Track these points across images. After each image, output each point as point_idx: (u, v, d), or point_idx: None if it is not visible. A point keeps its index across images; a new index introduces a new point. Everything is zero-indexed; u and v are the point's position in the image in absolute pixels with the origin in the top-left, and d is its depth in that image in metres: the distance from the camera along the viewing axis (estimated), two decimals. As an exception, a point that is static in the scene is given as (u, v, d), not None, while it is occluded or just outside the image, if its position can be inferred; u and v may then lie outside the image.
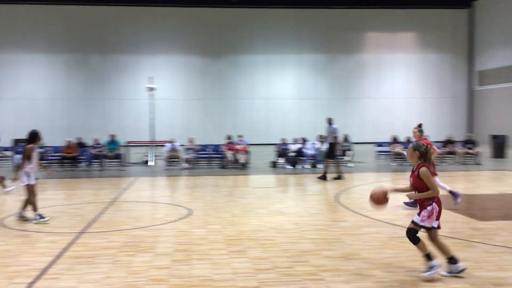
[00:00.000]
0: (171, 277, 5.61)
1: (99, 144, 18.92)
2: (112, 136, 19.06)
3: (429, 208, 5.41)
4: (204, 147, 19.65)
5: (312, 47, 30.74)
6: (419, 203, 5.58)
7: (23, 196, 9.07)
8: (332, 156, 14.64)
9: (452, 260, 5.50)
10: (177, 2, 29.45)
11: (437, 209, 5.45)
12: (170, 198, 12.03)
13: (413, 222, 5.51)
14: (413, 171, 5.62)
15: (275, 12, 30.43)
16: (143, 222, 8.81)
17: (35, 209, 8.81)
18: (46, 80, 28.42)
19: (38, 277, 5.60)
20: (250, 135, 24.34)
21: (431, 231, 5.53)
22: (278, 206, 10.19)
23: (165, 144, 19.60)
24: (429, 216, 5.42)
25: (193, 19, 29.86)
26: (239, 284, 5.38)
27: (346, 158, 18.48)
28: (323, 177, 14.31)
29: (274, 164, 18.44)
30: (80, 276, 5.65)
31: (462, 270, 5.50)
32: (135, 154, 20.94)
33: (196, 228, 8.12)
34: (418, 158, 5.57)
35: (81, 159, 18.66)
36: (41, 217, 8.77)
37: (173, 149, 18.92)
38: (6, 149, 20.00)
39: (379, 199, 5.68)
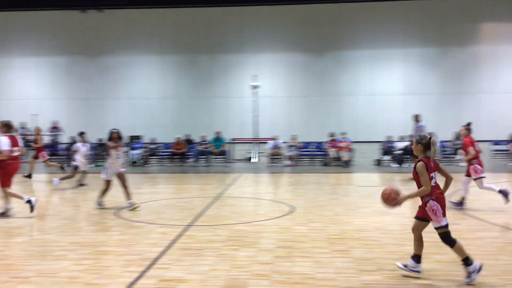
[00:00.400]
0: (274, 273, 5.64)
1: (205, 141, 19.66)
2: (218, 133, 19.71)
3: (428, 206, 5.23)
4: (306, 144, 19.62)
5: (420, 40, 29.33)
6: (421, 198, 5.35)
7: (120, 188, 9.66)
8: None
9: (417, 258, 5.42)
10: (281, 0, 29.66)
11: (438, 205, 5.21)
12: (272, 194, 12.16)
13: (436, 228, 5.28)
14: (414, 168, 5.36)
15: (381, 5, 29.49)
16: (246, 217, 8.99)
17: (100, 197, 10.02)
18: (158, 80, 30.07)
19: (149, 266, 5.91)
20: (353, 132, 23.83)
21: (419, 221, 5.43)
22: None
23: (268, 141, 19.86)
24: (436, 214, 5.20)
25: (296, 16, 29.90)
26: (342, 285, 5.27)
27: (458, 157, 17.42)
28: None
29: (378, 162, 17.92)
30: (188, 267, 5.88)
31: (417, 272, 5.40)
32: (239, 151, 21.46)
33: (298, 226, 8.11)
34: (422, 152, 5.32)
35: (189, 155, 19.52)
36: (100, 204, 9.93)
37: (276, 146, 19.10)
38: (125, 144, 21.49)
39: (389, 197, 5.35)
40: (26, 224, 8.52)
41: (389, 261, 6.02)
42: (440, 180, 5.37)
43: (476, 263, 5.18)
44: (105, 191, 10.03)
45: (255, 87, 22.35)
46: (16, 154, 9.19)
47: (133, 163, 19.15)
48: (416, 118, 14.40)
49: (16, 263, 6.07)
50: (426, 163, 5.24)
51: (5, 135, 9.07)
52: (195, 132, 23.42)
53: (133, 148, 19.71)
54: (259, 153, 20.79)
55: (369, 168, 17.21)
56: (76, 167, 13.08)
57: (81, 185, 13.09)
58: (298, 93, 30.21)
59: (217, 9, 29.72)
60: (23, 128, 24.62)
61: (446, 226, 5.23)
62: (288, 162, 18.33)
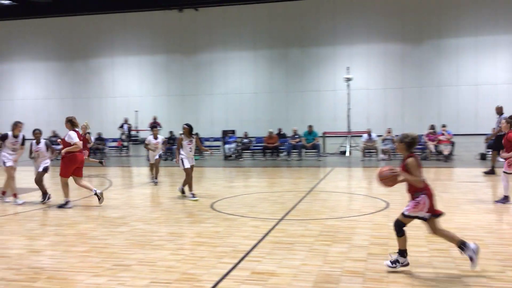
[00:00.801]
0: (368, 270, 5.46)
1: (297, 135, 19.61)
2: (310, 127, 19.57)
3: (417, 199, 5.30)
4: (403, 138, 18.89)
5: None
6: (410, 196, 5.40)
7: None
8: (498, 148, 12.73)
9: (462, 245, 5.32)
10: (375, -11, 28.78)
11: (427, 201, 5.29)
12: (366, 189, 11.83)
13: (402, 213, 5.41)
14: (402, 162, 5.45)
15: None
16: (339, 212, 8.82)
17: (190, 188, 10.46)
18: (251, 75, 30.52)
19: (242, 259, 5.98)
20: (455, 124, 22.58)
21: (428, 223, 5.40)
22: (488, 203, 9.20)
23: (361, 134, 19.38)
24: (414, 207, 5.30)
25: (392, 4, 28.83)
26: (443, 285, 4.97)
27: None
28: (491, 172, 12.81)
29: (483, 156, 16.79)
30: (280, 261, 5.87)
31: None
32: (331, 145, 21.17)
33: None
34: (405, 150, 5.44)
35: (281, 149, 19.59)
36: (194, 196, 10.29)
37: (370, 140, 18.59)
38: (217, 139, 22.09)
39: (386, 177, 5.45)
40: (129, 214, 9.01)
41: (494, 262, 5.59)
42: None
43: (406, 259, 5.41)
44: (187, 180, 10.54)
45: (348, 79, 21.89)
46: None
47: (227, 157, 19.59)
48: (499, 111, 13.36)
49: (119, 251, 6.42)
50: (416, 158, 5.35)
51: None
52: (287, 126, 23.48)
53: (226, 143, 20.17)
54: (352, 147, 20.37)
55: (472, 162, 16.18)
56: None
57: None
58: (394, 85, 29.17)
59: (308, 1, 29.48)
60: (126, 123, 26.14)
61: (410, 219, 5.37)
62: (382, 156, 17.77)
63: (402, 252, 5.43)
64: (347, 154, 20.05)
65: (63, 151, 9.64)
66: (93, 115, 31.96)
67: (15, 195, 10.09)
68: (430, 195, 5.34)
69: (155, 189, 12.17)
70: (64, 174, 9.64)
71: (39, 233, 7.58)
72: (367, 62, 29.25)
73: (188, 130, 10.60)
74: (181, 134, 10.79)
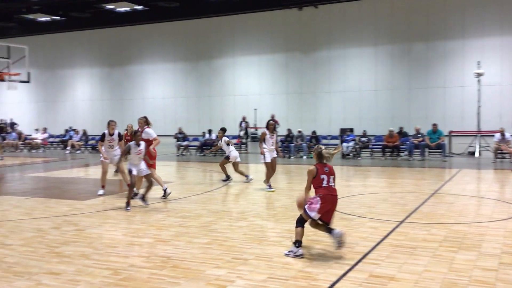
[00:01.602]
0: (498, 281, 5.02)
1: (420, 133, 18.69)
2: (435, 125, 18.54)
3: (312, 199, 5.99)
4: (542, 138, 17.12)
5: None
6: None
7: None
8: None
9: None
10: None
11: (319, 203, 5.93)
12: (498, 193, 10.90)
13: (303, 213, 6.09)
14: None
15: None
16: (467, 217, 8.22)
17: (268, 180, 11.24)
18: (371, 72, 29.70)
19: (360, 260, 5.83)
20: None
21: (312, 221, 6.09)
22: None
23: (493, 134, 17.92)
24: (310, 204, 5.98)
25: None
26: None
27: None
28: None
29: None
30: (400, 265, 5.62)
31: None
32: (458, 145, 19.87)
33: (530, 230, 7.08)
34: (317, 159, 6.23)
35: (402, 148, 18.82)
36: (270, 187, 11.09)
37: (503, 140, 17.11)
38: (334, 137, 21.83)
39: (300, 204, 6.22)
40: (247, 210, 9.24)
41: None
42: None
43: (300, 250, 5.98)
44: (269, 173, 11.27)
45: (479, 74, 20.33)
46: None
47: (344, 156, 19.29)
48: None
49: (238, 245, 6.60)
50: (318, 168, 6.08)
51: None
52: (409, 124, 22.52)
53: (344, 141, 19.85)
54: (482, 147, 18.93)
55: None
56: (228, 157, 13.18)
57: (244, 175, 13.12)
58: (532, 80, 26.57)
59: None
60: (244, 121, 26.88)
61: (309, 216, 6.01)
62: (517, 158, 16.29)
63: (298, 243, 6.00)
64: (476, 154, 18.68)
65: (150, 146, 10.24)
66: (215, 113, 33.40)
67: (103, 187, 11.10)
68: (324, 200, 5.96)
69: (272, 186, 12.34)
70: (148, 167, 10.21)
71: (166, 224, 8.06)
72: (500, 56, 26.97)
73: (273, 126, 11.44)
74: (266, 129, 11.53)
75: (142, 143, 9.49)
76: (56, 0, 30.07)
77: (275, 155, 11.47)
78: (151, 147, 10.29)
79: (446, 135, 19.18)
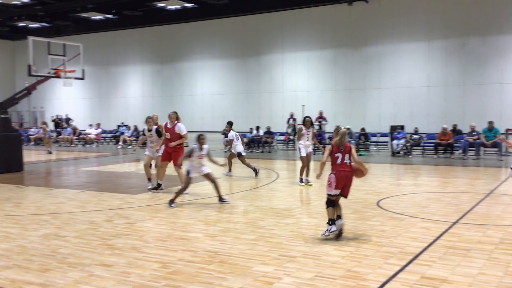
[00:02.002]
0: (561, 289, 4.75)
1: (476, 131, 18.02)
2: (491, 123, 17.82)
3: (329, 179, 6.75)
4: None
5: None
6: None
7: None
8: None
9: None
10: None
11: (334, 180, 6.67)
12: (560, 195, 10.35)
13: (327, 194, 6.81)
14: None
15: None
16: (525, 219, 7.85)
17: (301, 174, 11.70)
18: (423, 68, 28.86)
19: (410, 261, 5.67)
20: None
21: (334, 197, 6.77)
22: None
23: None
24: (329, 185, 6.73)
25: None
26: None
27: None
28: None
29: None
30: (453, 267, 5.42)
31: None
32: (516, 143, 19.00)
33: None
34: (334, 137, 7.07)
35: (456, 146, 18.21)
36: (301, 181, 11.63)
37: None
38: (384, 134, 21.38)
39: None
40: (294, 207, 9.20)
41: None
42: None
43: (333, 227, 6.69)
44: (303, 168, 11.65)
45: (538, 70, 19.36)
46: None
47: (394, 154, 18.86)
48: None
49: (284, 242, 6.57)
50: (333, 146, 6.86)
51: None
52: (463, 122, 21.75)
53: (394, 138, 19.41)
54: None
55: None
56: (239, 154, 13.37)
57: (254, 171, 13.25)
58: None
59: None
60: (291, 118, 26.72)
61: (333, 195, 6.76)
62: None
63: (331, 220, 6.73)
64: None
65: (174, 143, 10.59)
66: (263, 109, 33.42)
67: (149, 179, 11.39)
68: (337, 175, 6.71)
69: (318, 182, 12.23)
70: (177, 163, 10.46)
71: (214, 219, 8.13)
72: None
73: (310, 123, 11.80)
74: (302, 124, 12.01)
75: (206, 147, 9.47)
76: (110, -1, 30.92)
77: (310, 150, 11.88)
78: (173, 143, 10.55)
79: (503, 133, 18.39)
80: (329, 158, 6.83)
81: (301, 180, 11.68)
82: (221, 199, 9.51)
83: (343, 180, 6.73)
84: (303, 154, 11.65)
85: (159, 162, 11.10)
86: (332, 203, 6.77)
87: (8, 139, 15.46)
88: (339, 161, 6.77)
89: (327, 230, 6.67)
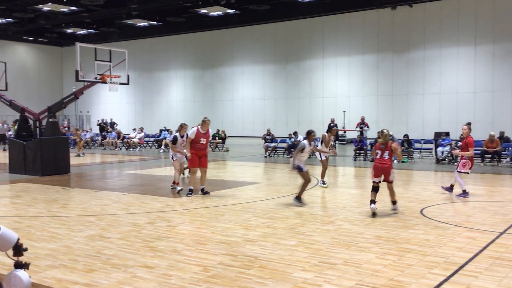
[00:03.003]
0: None
1: (524, 138, 17.37)
2: (541, 130, 17.13)
3: (371, 172, 9.14)
4: None
5: None
6: None
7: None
8: None
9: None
10: None
11: (372, 170, 9.00)
12: None
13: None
14: None
15: None
16: None
17: (322, 176, 12.42)
18: (469, 73, 28.08)
19: (455, 272, 5.51)
20: None
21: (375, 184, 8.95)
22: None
23: None
24: (372, 176, 9.07)
25: None
26: None
27: None
28: None
29: None
30: (501, 279, 5.24)
31: None
32: None
33: None
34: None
35: (504, 154, 17.61)
36: (324, 182, 12.32)
37: None
38: (428, 141, 20.90)
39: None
40: (335, 213, 9.10)
41: None
42: None
43: (373, 205, 8.66)
44: (325, 170, 12.43)
45: None
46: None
47: (439, 161, 18.40)
48: None
49: (324, 249, 6.51)
50: (376, 144, 9.05)
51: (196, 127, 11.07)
52: (511, 129, 21.01)
53: (439, 145, 18.93)
54: None
55: None
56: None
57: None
58: None
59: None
60: (332, 124, 26.47)
61: (376, 182, 8.86)
62: None
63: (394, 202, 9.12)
64: None
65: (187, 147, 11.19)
66: (303, 115, 33.29)
67: (177, 183, 11.89)
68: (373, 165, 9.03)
69: (360, 189, 12.07)
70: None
71: (254, 224, 8.15)
72: None
73: (336, 132, 13.08)
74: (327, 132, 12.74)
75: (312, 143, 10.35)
76: (154, 6, 31.58)
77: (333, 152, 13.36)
78: (187, 148, 11.03)
79: (554, 141, 17.66)
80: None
81: (323, 182, 12.38)
82: (298, 199, 9.88)
83: (379, 170, 8.84)
84: (323, 157, 12.53)
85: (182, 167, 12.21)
86: (374, 188, 8.86)
87: (56, 142, 16.00)
88: (378, 156, 8.89)
89: (396, 208, 9.04)
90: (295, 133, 22.61)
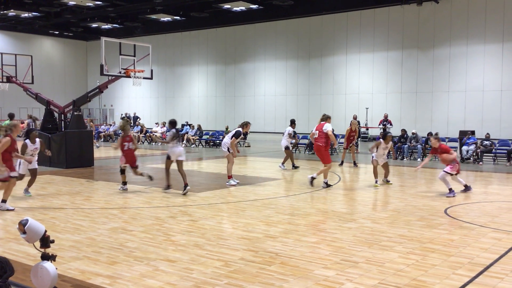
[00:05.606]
0: None
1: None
2: None
3: None
4: None
5: None
6: None
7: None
8: None
9: None
10: None
11: None
12: None
13: None
14: None
15: None
16: None
17: (376, 176, 12.06)
18: (496, 71, 27.53)
19: (480, 273, 5.41)
20: None
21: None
22: None
23: None
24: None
25: None
26: None
27: None
28: None
29: None
30: (527, 282, 5.12)
31: None
32: None
33: None
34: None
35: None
36: (328, 185, 11.74)
37: None
38: (453, 139, 20.57)
39: None
40: (357, 211, 9.03)
41: None
42: None
43: None
44: (375, 169, 12.15)
45: None
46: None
47: (464, 160, 18.09)
48: None
49: (347, 247, 6.46)
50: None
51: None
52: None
53: (464, 144, 18.61)
54: None
55: None
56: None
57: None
58: None
59: None
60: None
61: None
62: None
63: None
64: None
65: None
66: (325, 111, 33.04)
67: (230, 177, 12.11)
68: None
69: (382, 188, 11.94)
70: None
71: (275, 220, 8.13)
72: None
73: (391, 137, 12.78)
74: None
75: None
76: (177, 1, 31.73)
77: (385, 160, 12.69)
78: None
79: None
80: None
81: (327, 184, 11.91)
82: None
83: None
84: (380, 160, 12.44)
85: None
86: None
87: (80, 135, 16.23)
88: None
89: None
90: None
